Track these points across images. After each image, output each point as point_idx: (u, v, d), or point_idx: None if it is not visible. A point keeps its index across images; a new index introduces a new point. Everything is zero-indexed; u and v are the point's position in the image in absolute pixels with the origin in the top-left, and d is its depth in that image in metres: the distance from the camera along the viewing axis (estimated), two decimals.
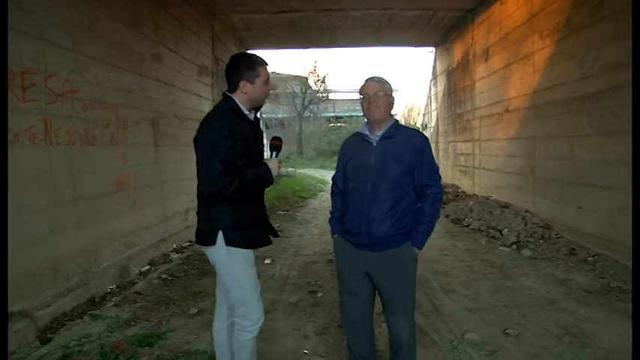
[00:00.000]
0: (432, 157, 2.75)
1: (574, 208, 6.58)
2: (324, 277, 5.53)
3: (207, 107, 9.49)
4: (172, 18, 7.64)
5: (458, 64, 12.63)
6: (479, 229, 8.03)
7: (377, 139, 2.72)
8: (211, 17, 10.14)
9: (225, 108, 2.68)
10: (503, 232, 7.36)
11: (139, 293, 4.95)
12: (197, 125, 2.66)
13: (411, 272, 2.75)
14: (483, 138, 10.68)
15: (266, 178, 2.65)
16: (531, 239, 6.92)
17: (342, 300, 2.95)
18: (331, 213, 2.96)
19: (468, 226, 8.42)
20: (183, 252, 7.03)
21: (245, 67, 2.67)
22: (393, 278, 2.70)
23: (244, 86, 2.66)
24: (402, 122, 31.44)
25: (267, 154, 2.89)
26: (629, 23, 5.33)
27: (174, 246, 7.32)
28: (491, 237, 7.43)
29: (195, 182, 2.65)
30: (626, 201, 5.42)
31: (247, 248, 2.67)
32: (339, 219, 2.85)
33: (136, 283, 5.39)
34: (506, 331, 3.84)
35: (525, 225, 7.43)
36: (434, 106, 16.35)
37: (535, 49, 7.63)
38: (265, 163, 2.69)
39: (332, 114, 36.74)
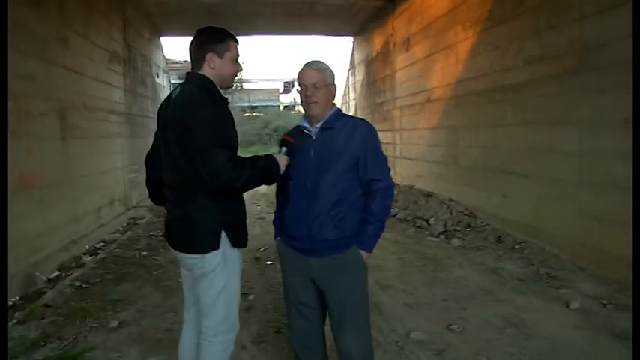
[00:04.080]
0: (379, 148, 2.49)
1: (498, 197, 6.74)
2: (252, 276, 5.24)
3: (118, 97, 8.87)
4: None
5: (378, 53, 12.67)
6: (405, 220, 8.05)
7: (316, 131, 2.46)
8: (123, 0, 9.43)
9: (210, 88, 2.30)
10: (430, 222, 7.42)
11: (48, 305, 4.38)
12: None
13: (359, 280, 2.48)
14: (404, 127, 10.79)
15: (275, 170, 2.30)
16: (458, 228, 7.02)
17: (289, 311, 2.66)
18: (275, 213, 2.68)
19: (395, 216, 8.42)
20: (97, 254, 6.47)
21: (214, 38, 2.35)
22: (340, 288, 2.44)
23: (212, 60, 2.31)
24: None
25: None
26: (550, 17, 5.50)
27: (87, 247, 6.73)
28: (418, 227, 7.48)
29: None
30: (550, 189, 5.61)
31: (244, 247, 2.42)
32: (281, 220, 2.56)
33: (44, 292, 4.82)
34: (450, 326, 3.77)
35: (451, 214, 7.54)
36: (352, 95, 16.40)
37: (458, 40, 7.73)
38: (271, 155, 2.36)
39: (247, 104, 36.15)
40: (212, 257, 2.25)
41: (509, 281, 4.83)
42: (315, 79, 2.41)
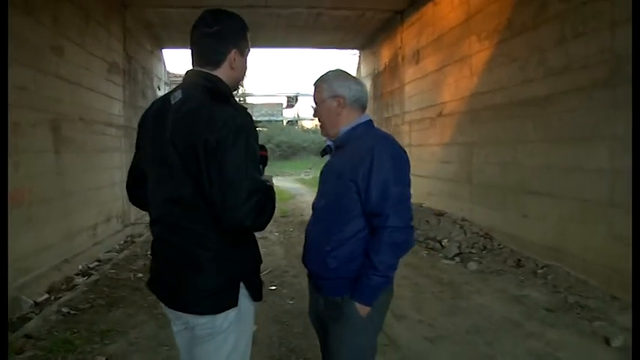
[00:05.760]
0: (392, 176, 1.90)
1: (517, 217, 6.32)
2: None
3: (117, 109, 8.53)
4: (76, 7, 6.63)
5: (385, 66, 12.35)
6: (416, 240, 7.63)
7: (333, 150, 2.15)
8: (123, 9, 9.11)
9: (228, 95, 1.76)
10: (443, 243, 7.01)
11: (29, 337, 3.95)
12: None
13: (354, 340, 1.99)
14: (414, 143, 10.40)
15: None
16: (473, 250, 6.60)
17: None
18: None
19: None
20: (90, 275, 6.06)
21: (238, 30, 1.83)
22: (333, 342, 2.04)
23: (235, 59, 1.79)
24: (317, 129, 29.67)
25: None
26: (576, 25, 5.13)
27: (80, 267, 6.33)
28: (431, 248, 7.05)
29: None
30: (577, 209, 5.20)
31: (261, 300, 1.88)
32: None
33: (29, 319, 4.40)
34: None
35: (465, 234, 7.12)
36: None
37: (472, 52, 7.37)
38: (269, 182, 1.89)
39: None
40: (225, 316, 1.72)
41: (536, 311, 4.40)
42: (315, 97, 2.14)
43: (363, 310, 1.92)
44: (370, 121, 2.11)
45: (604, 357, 3.49)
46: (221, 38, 1.78)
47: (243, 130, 1.64)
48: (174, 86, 1.99)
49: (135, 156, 1.97)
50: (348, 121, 2.08)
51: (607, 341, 3.69)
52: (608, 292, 4.67)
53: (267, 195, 1.68)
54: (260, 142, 1.82)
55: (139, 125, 1.92)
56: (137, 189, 1.98)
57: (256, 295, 1.81)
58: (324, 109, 2.09)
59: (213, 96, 1.70)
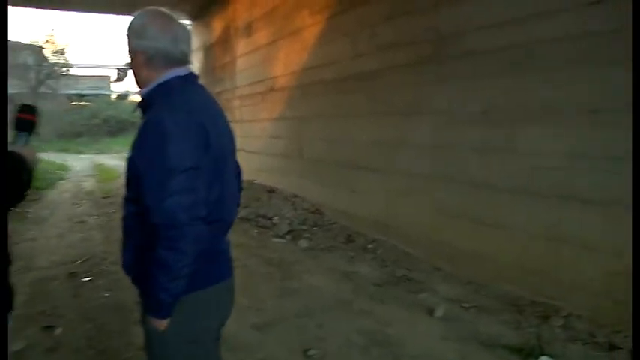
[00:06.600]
0: (157, 157, 1.41)
1: (347, 192, 6.33)
2: (64, 299, 4.10)
3: None
4: None
5: (217, 39, 11.75)
6: (247, 219, 7.32)
7: None
8: None
9: None
10: (274, 221, 6.80)
11: None
12: None
13: (153, 352, 1.64)
14: (245, 119, 10.05)
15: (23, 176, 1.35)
16: (305, 227, 6.48)
17: None
18: None
19: None
20: None
21: None
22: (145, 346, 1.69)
23: None
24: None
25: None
26: (404, 3, 5.19)
27: None
28: (261, 227, 6.79)
29: None
30: (402, 184, 5.31)
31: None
32: None
33: None
34: (308, 352, 3.14)
35: (296, 211, 7.00)
36: None
37: (305, 25, 7.18)
38: (17, 153, 1.39)
39: (75, 91, 32.36)
40: None
41: (366, 287, 4.36)
42: None
43: (157, 323, 1.51)
44: (177, 79, 1.58)
45: (427, 328, 3.51)
46: None
47: None
48: None
49: None
50: (149, 81, 1.59)
51: (431, 312, 3.75)
52: (430, 263, 4.83)
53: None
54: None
55: None
56: None
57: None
58: (133, 60, 1.61)
59: None
